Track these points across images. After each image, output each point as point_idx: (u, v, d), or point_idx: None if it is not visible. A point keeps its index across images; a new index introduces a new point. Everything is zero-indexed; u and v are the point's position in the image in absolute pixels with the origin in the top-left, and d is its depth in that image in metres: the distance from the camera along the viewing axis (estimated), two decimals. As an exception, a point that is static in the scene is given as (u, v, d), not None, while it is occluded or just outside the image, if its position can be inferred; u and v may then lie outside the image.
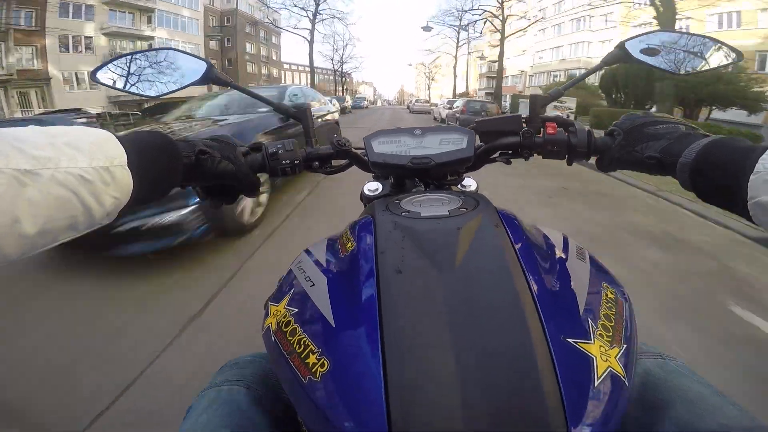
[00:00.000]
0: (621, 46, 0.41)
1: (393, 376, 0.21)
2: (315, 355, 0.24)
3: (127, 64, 0.38)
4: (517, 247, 0.29)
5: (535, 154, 0.42)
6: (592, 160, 0.39)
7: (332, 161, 0.45)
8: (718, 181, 0.27)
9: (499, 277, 0.27)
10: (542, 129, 0.41)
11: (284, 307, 0.31)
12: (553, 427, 0.19)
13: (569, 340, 0.24)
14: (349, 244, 0.34)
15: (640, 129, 0.34)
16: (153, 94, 0.39)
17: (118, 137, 0.24)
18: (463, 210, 0.34)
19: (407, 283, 0.26)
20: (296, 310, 0.29)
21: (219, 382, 0.34)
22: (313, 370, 0.24)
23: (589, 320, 0.26)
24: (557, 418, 0.20)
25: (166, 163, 0.29)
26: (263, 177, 0.43)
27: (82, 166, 0.21)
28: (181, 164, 0.31)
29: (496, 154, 0.46)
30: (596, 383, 0.22)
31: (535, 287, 0.26)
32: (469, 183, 0.49)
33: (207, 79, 0.39)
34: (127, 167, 0.23)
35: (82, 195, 0.21)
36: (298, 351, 0.26)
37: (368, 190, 0.49)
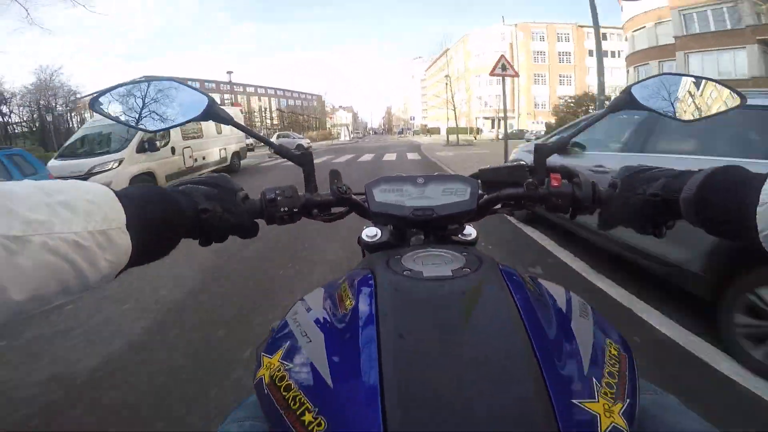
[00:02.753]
0: (627, 92, 0.50)
1: None
2: (311, 414, 0.29)
3: (126, 95, 0.46)
4: (521, 308, 0.35)
5: (537, 207, 0.51)
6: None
7: (332, 208, 0.53)
8: (723, 214, 0.33)
9: (504, 342, 0.32)
10: (546, 180, 0.49)
11: (278, 361, 0.36)
12: None
13: (573, 401, 0.29)
14: (348, 301, 0.40)
15: (636, 176, 0.43)
16: (151, 128, 0.47)
17: (117, 193, 0.29)
18: (467, 270, 0.40)
19: (409, 348, 0.31)
20: (291, 365, 0.34)
21: (241, 417, 0.39)
22: (310, 429, 0.28)
23: (594, 379, 0.32)
24: None
25: (168, 222, 0.33)
26: None
27: (77, 231, 0.24)
28: (184, 222, 0.36)
29: (499, 205, 0.54)
30: None
31: (538, 349, 0.32)
32: (470, 232, 0.59)
33: (208, 115, 0.47)
34: (125, 230, 0.27)
35: (76, 261, 0.24)
36: (293, 408, 0.30)
37: (367, 236, 0.57)
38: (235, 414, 0.41)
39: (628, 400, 0.32)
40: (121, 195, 0.29)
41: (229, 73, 18.38)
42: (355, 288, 0.41)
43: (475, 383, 0.28)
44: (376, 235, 0.57)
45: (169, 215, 0.34)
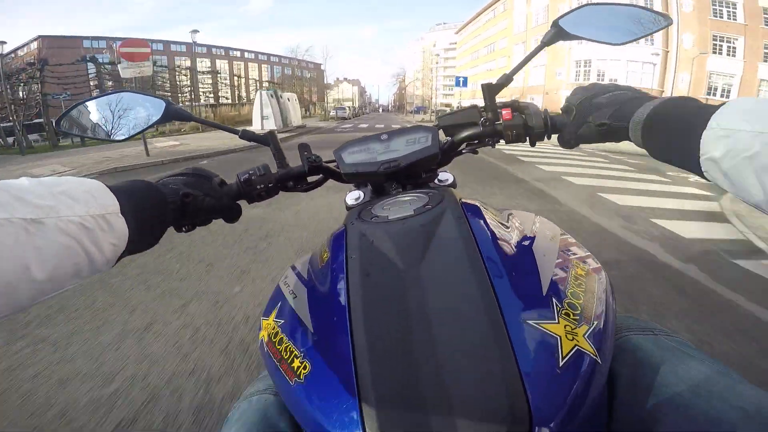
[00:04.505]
0: (555, 24, 0.59)
1: (362, 375, 0.33)
2: (299, 359, 0.38)
3: (87, 110, 0.60)
4: (477, 236, 0.43)
5: (501, 141, 0.62)
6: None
7: (307, 178, 0.66)
8: (670, 138, 0.38)
9: (458, 270, 0.40)
10: (499, 115, 0.59)
11: (273, 320, 0.48)
12: (516, 415, 0.28)
13: (530, 322, 0.34)
14: (325, 255, 0.52)
15: (589, 101, 0.50)
16: (117, 138, 0.61)
17: (109, 187, 0.37)
18: (428, 207, 0.50)
19: (374, 285, 0.40)
20: (282, 321, 0.46)
21: (250, 393, 0.50)
22: (298, 373, 0.37)
23: (554, 300, 0.36)
24: (519, 405, 0.28)
25: (156, 209, 0.42)
26: None
27: (81, 215, 0.31)
28: (169, 209, 0.45)
29: (462, 146, 0.66)
30: (560, 364, 0.31)
31: (493, 275, 0.38)
32: (446, 177, 0.70)
33: (168, 116, 0.60)
34: (120, 215, 0.35)
35: (84, 243, 0.31)
36: (285, 357, 0.40)
37: (350, 199, 0.69)
38: (247, 391, 0.52)
39: (595, 323, 0.36)
40: (111, 186, 0.37)
41: (194, 32, 17.92)
42: (330, 243, 0.53)
43: (433, 312, 0.36)
44: (359, 198, 0.69)
45: (156, 203, 0.43)
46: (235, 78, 32.06)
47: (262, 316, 0.51)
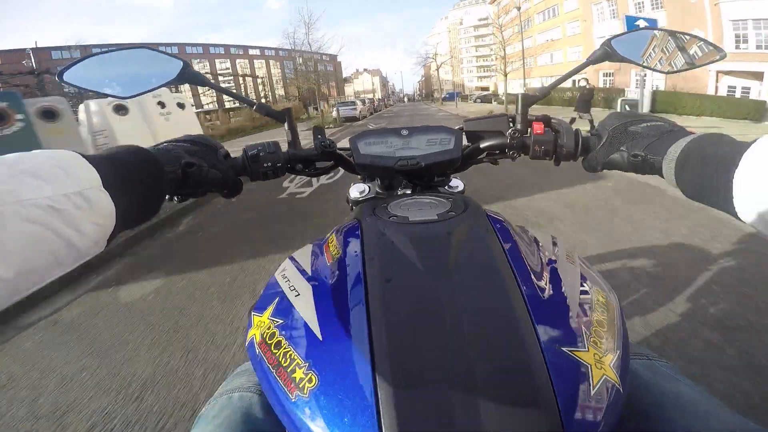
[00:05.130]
0: (607, 44, 0.63)
1: (384, 392, 0.31)
2: (302, 370, 0.36)
3: (98, 65, 0.59)
4: (507, 251, 0.44)
5: (522, 155, 0.63)
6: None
7: (316, 163, 0.67)
8: (703, 177, 0.40)
9: (491, 285, 0.39)
10: (529, 129, 0.61)
11: (268, 318, 0.45)
12: None
13: (564, 349, 0.35)
14: (335, 251, 0.50)
15: (624, 128, 0.53)
16: (125, 94, 0.60)
17: (87, 157, 0.34)
18: (452, 214, 0.50)
19: (396, 292, 0.39)
20: (281, 321, 0.43)
21: (230, 389, 0.49)
22: (301, 386, 0.35)
23: (583, 327, 0.38)
24: (554, 430, 0.29)
25: (150, 179, 0.41)
26: None
27: (48, 195, 0.28)
28: (167, 179, 0.45)
29: (483, 155, 0.68)
30: (592, 392, 0.33)
31: (527, 294, 0.38)
32: (456, 184, 0.72)
33: (182, 78, 0.61)
34: (103, 189, 0.33)
35: (57, 227, 0.29)
36: (284, 365, 0.37)
37: (355, 193, 0.71)
38: (226, 386, 0.51)
39: (618, 352, 0.38)
40: (90, 157, 0.35)
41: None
42: (341, 238, 0.52)
43: (464, 329, 0.35)
44: (363, 191, 0.71)
45: (150, 172, 0.42)
46: (241, 77, 32.81)
47: (254, 311, 0.48)
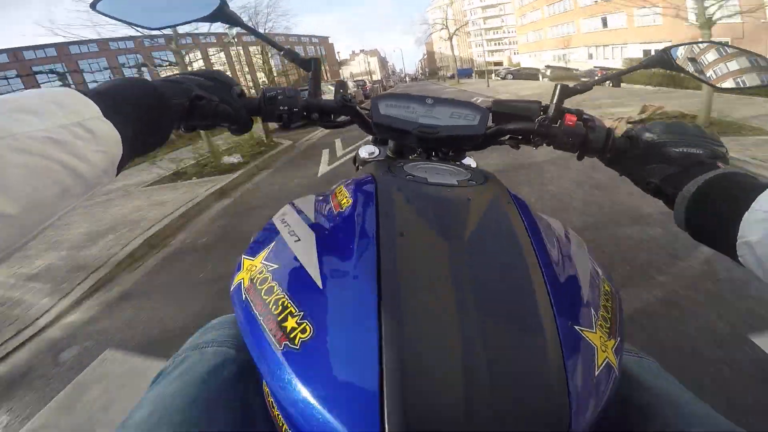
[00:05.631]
0: (666, 51, 0.66)
1: (389, 349, 0.30)
2: (295, 319, 0.35)
3: None
4: (528, 227, 0.45)
5: (545, 144, 0.66)
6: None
7: (332, 116, 0.70)
8: (711, 220, 0.43)
9: (512, 255, 0.41)
10: (560, 120, 0.64)
11: (261, 262, 0.44)
12: (557, 417, 0.31)
13: (576, 327, 0.37)
14: (345, 201, 0.51)
15: (659, 147, 0.54)
16: (154, 25, 0.61)
17: (83, 92, 0.36)
18: (473, 182, 0.53)
19: (411, 248, 0.39)
20: (276, 266, 0.42)
21: (203, 342, 0.49)
22: (292, 336, 0.34)
23: (592, 310, 0.41)
24: (562, 407, 0.31)
25: (154, 111, 0.43)
26: None
27: (43, 128, 0.30)
28: (171, 110, 0.47)
29: (506, 137, 0.71)
30: (596, 373, 0.35)
31: (545, 270, 0.40)
32: (469, 162, 0.78)
33: (217, 16, 0.61)
34: (104, 119, 0.35)
35: (59, 157, 0.30)
36: (275, 312, 0.36)
37: (364, 153, 0.75)
38: (194, 340, 0.51)
39: (618, 338, 0.41)
40: (87, 91, 0.37)
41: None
42: (352, 189, 0.52)
43: (480, 294, 0.36)
44: (374, 153, 0.76)
45: (152, 103, 0.44)
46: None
47: (244, 254, 0.48)
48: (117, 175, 0.38)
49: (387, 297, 0.34)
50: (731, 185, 0.43)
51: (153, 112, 0.43)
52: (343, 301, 0.35)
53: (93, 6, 0.57)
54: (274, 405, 0.38)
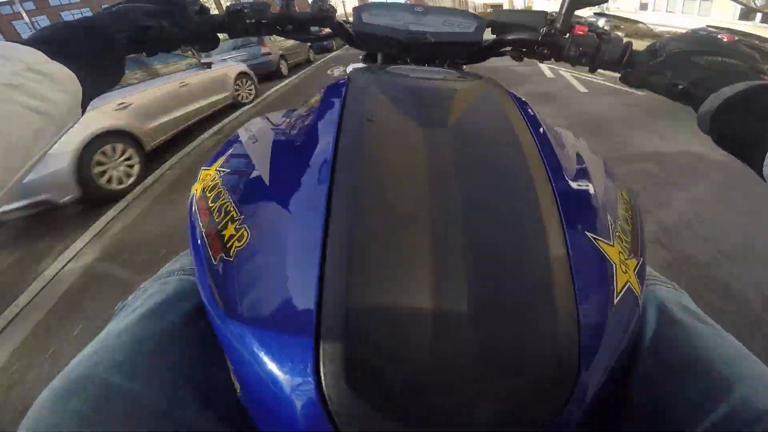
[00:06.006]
0: None
1: (332, 258, 0.26)
2: (234, 225, 0.32)
3: None
4: (529, 123, 0.42)
5: (553, 59, 0.63)
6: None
7: (311, 28, 0.68)
8: (742, 130, 0.41)
9: (505, 142, 0.37)
10: (569, 32, 0.60)
11: (215, 170, 0.42)
12: (565, 357, 0.26)
13: (589, 234, 0.32)
14: (314, 101, 0.48)
15: (689, 55, 0.52)
16: None
17: (22, 41, 0.39)
18: (461, 78, 0.48)
19: (380, 134, 0.35)
20: (227, 170, 0.40)
21: (168, 271, 0.49)
22: (228, 245, 0.31)
23: (609, 218, 0.36)
24: (570, 346, 0.26)
25: (99, 46, 0.45)
26: None
27: None
28: (117, 44, 0.47)
29: (508, 48, 0.68)
30: (615, 301, 0.30)
31: (550, 168, 0.36)
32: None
33: None
34: (52, 60, 0.37)
35: (22, 101, 0.33)
36: (216, 220, 0.34)
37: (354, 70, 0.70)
38: (160, 271, 0.51)
39: (641, 258, 0.36)
40: (25, 41, 0.40)
41: None
42: (324, 91, 0.50)
43: (458, 186, 0.31)
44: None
45: (95, 40, 0.45)
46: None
47: (204, 166, 0.46)
48: (82, 114, 0.41)
49: (338, 192, 0.30)
50: (761, 101, 0.41)
51: (98, 48, 0.45)
52: (287, 199, 0.32)
53: None
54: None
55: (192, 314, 0.40)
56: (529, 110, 0.47)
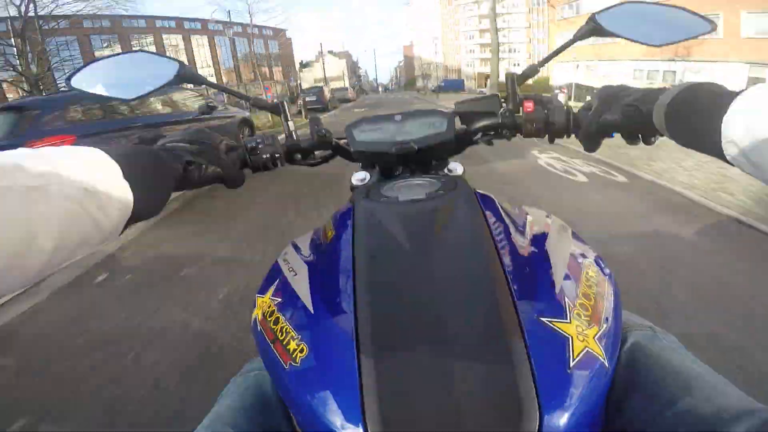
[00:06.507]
0: (591, 19, 0.77)
1: (365, 358, 0.42)
2: (295, 341, 0.48)
3: (100, 69, 0.78)
4: (493, 226, 0.56)
5: (518, 134, 0.80)
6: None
7: (315, 152, 0.86)
8: (693, 122, 0.50)
9: (472, 257, 0.51)
10: (521, 108, 0.76)
11: (269, 298, 0.60)
12: (525, 412, 0.37)
13: (543, 319, 0.44)
14: (330, 233, 0.67)
15: (615, 94, 0.65)
16: (127, 96, 0.78)
17: (107, 152, 0.46)
18: (441, 192, 0.65)
19: (381, 268, 0.52)
20: (279, 299, 0.58)
21: (248, 370, 0.68)
22: (294, 356, 0.47)
23: (566, 299, 0.47)
24: (529, 402, 0.37)
25: (159, 176, 0.55)
26: None
27: (83, 180, 0.39)
28: (171, 177, 0.58)
29: (478, 136, 0.86)
30: (572, 365, 0.41)
31: (509, 266, 0.49)
32: (455, 167, 0.89)
33: (180, 78, 0.79)
34: (124, 180, 0.45)
35: (90, 209, 0.39)
36: (281, 338, 0.50)
37: (356, 180, 0.88)
38: (245, 368, 0.69)
39: (604, 326, 0.47)
40: (111, 152, 0.46)
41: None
42: (336, 221, 0.69)
43: (442, 300, 0.47)
44: (365, 179, 0.88)
45: (158, 169, 0.55)
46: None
47: (257, 293, 0.64)
48: (120, 235, 0.47)
49: (362, 317, 0.46)
50: (706, 93, 0.50)
51: (157, 177, 0.54)
52: (329, 323, 0.49)
53: (68, 81, 0.74)
54: (292, 416, 0.52)
55: (271, 400, 0.59)
56: (493, 206, 0.64)
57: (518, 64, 55.09)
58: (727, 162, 0.46)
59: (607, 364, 0.43)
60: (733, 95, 0.46)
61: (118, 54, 0.80)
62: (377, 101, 36.98)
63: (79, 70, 0.76)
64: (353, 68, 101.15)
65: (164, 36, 48.21)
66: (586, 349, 0.42)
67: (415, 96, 43.43)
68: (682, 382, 0.50)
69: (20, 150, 0.39)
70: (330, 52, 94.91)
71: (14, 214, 0.33)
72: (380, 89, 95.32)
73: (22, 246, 0.33)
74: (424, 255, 0.52)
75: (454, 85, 54.88)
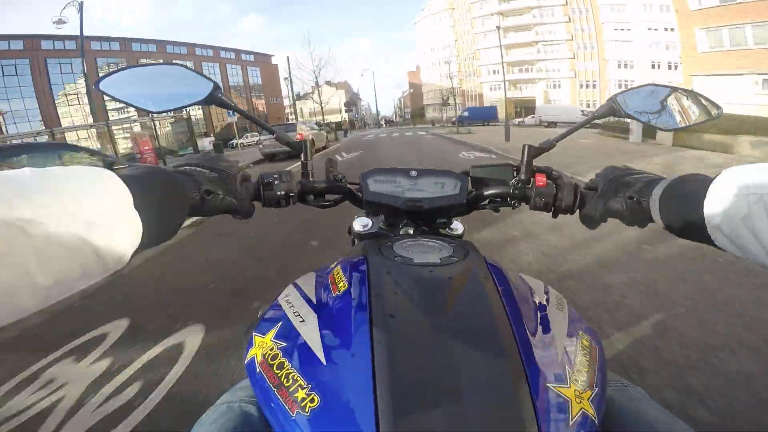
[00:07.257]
0: (613, 100, 0.91)
1: (384, 419, 0.45)
2: (304, 390, 0.52)
3: (132, 76, 0.83)
4: (503, 297, 0.65)
5: (522, 204, 0.94)
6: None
7: (326, 195, 0.97)
8: (682, 213, 0.60)
9: (487, 327, 0.58)
10: (532, 180, 0.89)
11: (271, 340, 0.63)
12: None
13: (549, 385, 0.54)
14: (342, 284, 0.72)
15: (618, 179, 0.78)
16: (154, 109, 0.84)
17: (119, 176, 0.47)
18: (454, 259, 0.75)
19: (399, 327, 0.57)
20: (284, 344, 0.62)
21: (232, 399, 0.69)
22: (302, 405, 0.51)
23: (566, 366, 0.58)
24: None
25: (173, 202, 0.57)
26: None
27: (88, 210, 0.40)
28: (187, 204, 0.61)
29: (486, 201, 0.99)
30: (570, 423, 0.51)
31: (518, 336, 0.58)
32: (457, 227, 1.05)
33: (211, 100, 0.85)
34: (134, 208, 0.46)
35: (93, 241, 0.40)
36: (286, 384, 0.54)
37: (358, 226, 1.02)
38: (226, 396, 0.71)
39: (596, 389, 0.58)
40: (123, 176, 0.48)
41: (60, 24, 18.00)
42: (348, 272, 0.75)
43: (459, 365, 0.52)
44: (367, 225, 1.01)
45: (173, 195, 0.58)
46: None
47: (255, 331, 0.68)
48: (128, 263, 0.48)
49: (381, 375, 0.50)
50: (689, 184, 0.60)
51: (171, 203, 0.57)
52: (344, 376, 0.53)
53: (96, 85, 0.79)
54: None
55: None
56: (504, 279, 0.71)
57: (559, 85, 55.80)
58: (716, 246, 0.56)
59: (597, 422, 0.54)
60: (709, 181, 0.55)
61: (155, 64, 0.88)
62: (380, 142, 28.87)
63: (110, 74, 0.81)
64: (353, 99, 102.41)
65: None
66: (582, 410, 0.52)
67: (434, 135, 32.15)
68: (653, 430, 0.62)
69: (25, 171, 0.39)
70: (327, 82, 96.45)
71: (6, 250, 0.33)
72: (384, 122, 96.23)
73: (14, 283, 0.34)
74: (441, 320, 0.59)
75: (484, 115, 48.41)
